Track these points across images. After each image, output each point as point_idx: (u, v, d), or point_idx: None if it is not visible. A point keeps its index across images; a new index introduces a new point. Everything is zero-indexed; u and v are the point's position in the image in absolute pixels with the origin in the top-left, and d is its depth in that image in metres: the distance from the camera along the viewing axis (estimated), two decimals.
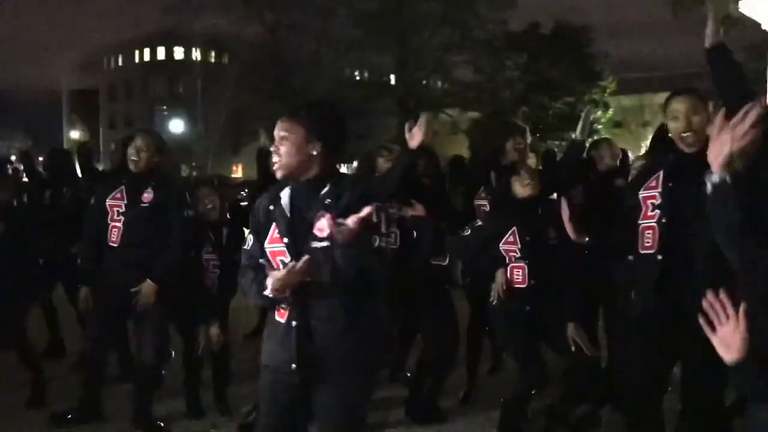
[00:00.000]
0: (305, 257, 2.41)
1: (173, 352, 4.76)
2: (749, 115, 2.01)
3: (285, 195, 2.58)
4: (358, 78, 35.99)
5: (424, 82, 33.52)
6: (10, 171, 8.10)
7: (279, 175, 2.55)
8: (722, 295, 1.95)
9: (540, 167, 6.03)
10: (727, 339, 1.95)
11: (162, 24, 39.58)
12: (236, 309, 4.88)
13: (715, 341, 1.96)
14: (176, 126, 37.68)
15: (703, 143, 2.58)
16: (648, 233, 3.10)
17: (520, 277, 3.93)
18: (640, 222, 3.13)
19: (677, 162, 3.06)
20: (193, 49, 45.73)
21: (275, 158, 2.54)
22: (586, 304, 4.08)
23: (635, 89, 32.26)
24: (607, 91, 30.54)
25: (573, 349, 3.81)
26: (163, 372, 4.36)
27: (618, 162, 4.88)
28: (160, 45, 55.29)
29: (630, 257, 3.22)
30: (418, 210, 4.22)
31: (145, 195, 4.21)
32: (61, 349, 5.88)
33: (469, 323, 4.95)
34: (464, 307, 4.93)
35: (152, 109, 51.21)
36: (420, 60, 31.98)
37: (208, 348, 4.42)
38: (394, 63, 32.35)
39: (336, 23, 31.00)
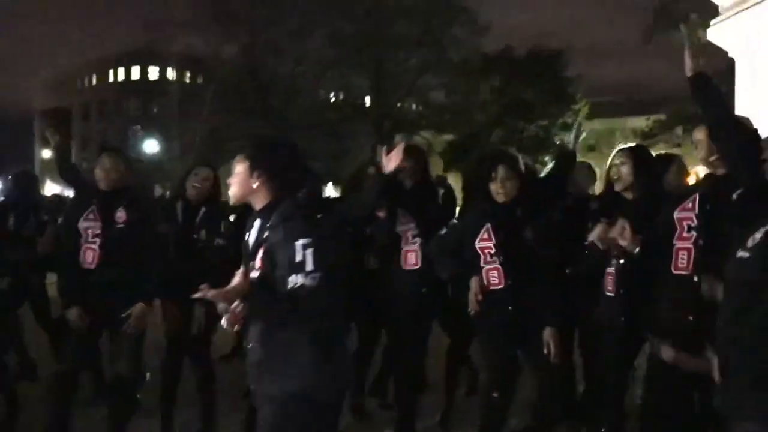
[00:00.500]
0: (236, 303, 2.62)
1: (148, 374, 4.68)
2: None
3: (255, 225, 2.80)
4: (333, 99, 36.03)
5: (399, 104, 33.70)
6: None
7: (230, 203, 2.93)
8: None
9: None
10: None
11: (136, 43, 39.46)
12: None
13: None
14: (151, 146, 37.37)
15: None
16: (682, 254, 3.18)
17: (497, 279, 3.85)
18: (674, 243, 3.22)
19: (713, 184, 3.18)
20: (169, 69, 45.63)
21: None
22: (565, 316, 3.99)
23: (607, 113, 32.69)
24: (580, 114, 30.85)
25: (545, 351, 3.75)
26: (138, 396, 4.29)
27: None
28: (135, 64, 55.09)
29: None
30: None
31: (118, 214, 4.18)
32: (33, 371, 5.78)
33: (449, 347, 4.98)
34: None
35: (126, 128, 50.85)
36: (395, 82, 32.15)
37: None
38: (369, 85, 32.48)
39: (313, 43, 31.05)
